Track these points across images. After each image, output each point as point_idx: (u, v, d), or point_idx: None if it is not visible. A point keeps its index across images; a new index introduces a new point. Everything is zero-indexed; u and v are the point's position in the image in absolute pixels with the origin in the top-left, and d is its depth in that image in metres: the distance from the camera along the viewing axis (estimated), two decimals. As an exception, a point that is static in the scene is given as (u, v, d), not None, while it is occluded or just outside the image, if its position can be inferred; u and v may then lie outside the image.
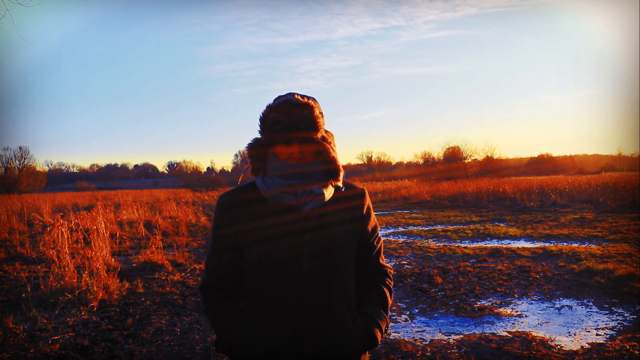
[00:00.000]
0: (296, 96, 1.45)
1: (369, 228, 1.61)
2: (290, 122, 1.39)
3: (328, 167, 1.49)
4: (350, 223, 1.55)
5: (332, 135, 1.55)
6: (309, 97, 1.48)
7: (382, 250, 1.69)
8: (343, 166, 1.53)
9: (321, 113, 1.48)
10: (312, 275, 1.46)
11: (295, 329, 1.44)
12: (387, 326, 1.60)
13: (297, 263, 1.45)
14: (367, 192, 1.64)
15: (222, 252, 1.53)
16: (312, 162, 1.47)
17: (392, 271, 1.69)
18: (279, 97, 1.48)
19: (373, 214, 1.66)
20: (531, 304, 5.23)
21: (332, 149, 1.50)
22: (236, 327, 1.49)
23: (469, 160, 44.12)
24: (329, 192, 1.49)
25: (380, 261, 1.66)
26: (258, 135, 1.52)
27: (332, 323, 1.48)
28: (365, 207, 1.60)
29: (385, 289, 1.63)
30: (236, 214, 1.49)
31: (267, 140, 1.46)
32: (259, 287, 1.48)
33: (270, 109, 1.45)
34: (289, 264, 1.45)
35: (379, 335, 1.54)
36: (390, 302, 1.64)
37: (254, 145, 1.51)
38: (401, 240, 10.50)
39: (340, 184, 1.53)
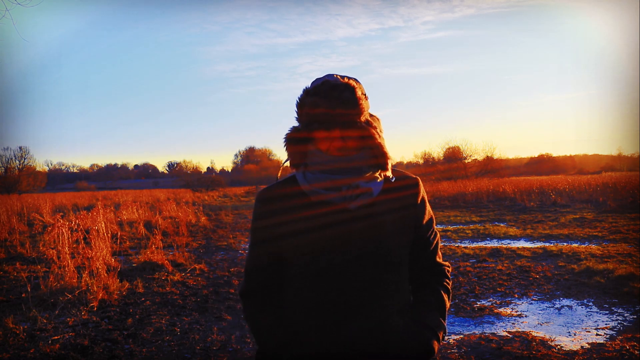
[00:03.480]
0: (336, 76, 1.32)
1: (424, 221, 1.44)
2: (330, 104, 1.26)
3: (375, 158, 1.34)
4: (402, 216, 1.39)
5: (377, 119, 1.38)
6: (349, 78, 1.34)
7: (439, 247, 1.52)
8: None
9: (364, 94, 1.33)
10: (361, 275, 1.32)
11: (342, 335, 1.31)
12: (444, 334, 1.43)
13: (343, 261, 1.31)
14: (420, 182, 1.46)
15: (262, 251, 1.41)
16: (356, 154, 1.32)
17: (450, 269, 1.53)
18: (317, 79, 1.35)
19: (428, 205, 1.48)
20: (531, 304, 5.23)
21: (379, 134, 1.33)
22: (279, 335, 1.37)
23: (469, 160, 44.13)
24: (377, 186, 1.34)
25: (438, 259, 1.49)
26: (294, 124, 1.37)
27: (383, 330, 1.33)
28: (420, 197, 1.43)
29: (443, 292, 1.46)
30: (275, 209, 1.37)
31: (306, 128, 1.32)
32: (301, 288, 1.36)
33: (307, 92, 1.32)
34: (334, 262, 1.31)
35: (436, 346, 1.38)
36: (448, 305, 1.47)
37: (291, 140, 1.36)
38: (401, 240, 10.49)
39: (389, 174, 1.37)
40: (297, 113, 1.33)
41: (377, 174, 1.35)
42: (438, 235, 1.51)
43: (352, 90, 1.28)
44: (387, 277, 1.35)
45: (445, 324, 1.44)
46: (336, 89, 1.26)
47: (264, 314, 1.41)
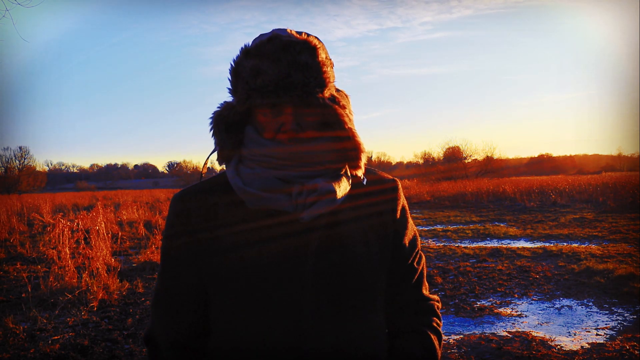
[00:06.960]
0: (289, 31, 0.92)
1: (406, 240, 1.07)
2: (279, 72, 0.87)
3: (343, 151, 0.97)
4: (376, 231, 1.02)
5: (346, 96, 1.01)
6: (309, 34, 0.94)
7: (425, 275, 1.12)
8: None
9: (329, 59, 0.95)
10: (318, 312, 0.94)
11: None
12: None
13: (293, 293, 0.94)
14: (400, 186, 1.09)
15: (179, 278, 1.02)
16: (316, 144, 0.94)
17: (439, 305, 1.13)
18: (262, 35, 0.95)
19: (410, 219, 1.10)
20: (531, 304, 5.23)
21: (348, 116, 0.96)
22: None
23: (469, 160, 44.23)
24: (342, 188, 0.95)
25: (423, 292, 1.10)
26: (228, 99, 0.99)
27: None
28: (399, 207, 1.06)
29: (433, 336, 1.06)
30: (197, 222, 0.99)
31: (242, 106, 0.93)
32: (235, 330, 0.97)
33: (246, 53, 0.92)
34: (281, 294, 0.94)
35: None
36: (439, 355, 1.06)
37: (220, 119, 0.97)
38: (401, 240, 10.49)
39: (360, 173, 0.99)
40: (231, 83, 0.95)
41: (342, 172, 0.98)
42: (424, 259, 1.12)
43: (313, 51, 0.90)
44: (354, 316, 0.98)
45: None
46: (289, 49, 0.88)
47: None
